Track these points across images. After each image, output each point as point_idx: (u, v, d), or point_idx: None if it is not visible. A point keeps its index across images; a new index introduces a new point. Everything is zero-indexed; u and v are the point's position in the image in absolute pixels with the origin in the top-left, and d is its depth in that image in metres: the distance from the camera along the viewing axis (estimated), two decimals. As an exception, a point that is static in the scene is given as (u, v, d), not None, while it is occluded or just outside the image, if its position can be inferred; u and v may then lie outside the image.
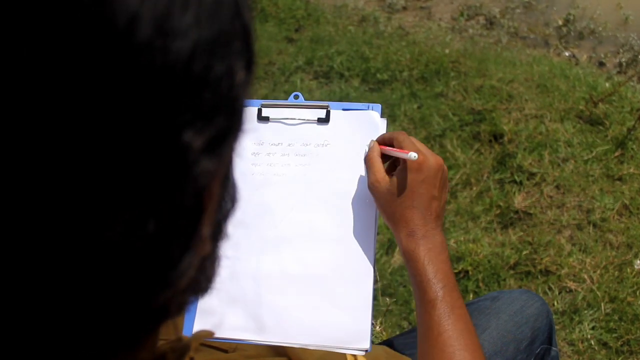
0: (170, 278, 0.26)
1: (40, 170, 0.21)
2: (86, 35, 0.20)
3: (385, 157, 0.78)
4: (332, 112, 0.85)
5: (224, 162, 0.27)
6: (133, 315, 0.26)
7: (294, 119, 0.85)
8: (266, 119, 0.85)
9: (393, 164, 0.79)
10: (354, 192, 0.82)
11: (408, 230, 0.73)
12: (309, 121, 0.85)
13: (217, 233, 0.31)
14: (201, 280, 0.32)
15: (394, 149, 0.75)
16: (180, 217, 0.25)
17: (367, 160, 0.78)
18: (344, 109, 0.86)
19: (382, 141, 0.79)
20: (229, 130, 0.25)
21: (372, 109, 0.85)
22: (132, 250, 0.23)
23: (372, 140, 0.80)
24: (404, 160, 0.74)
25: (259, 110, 0.85)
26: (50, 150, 0.21)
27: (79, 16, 0.20)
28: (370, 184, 0.76)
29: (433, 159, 0.73)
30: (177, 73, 0.22)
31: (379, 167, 0.76)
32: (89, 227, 0.22)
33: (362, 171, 0.83)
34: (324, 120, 0.85)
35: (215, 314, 0.79)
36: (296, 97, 0.87)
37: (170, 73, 0.22)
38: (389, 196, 0.74)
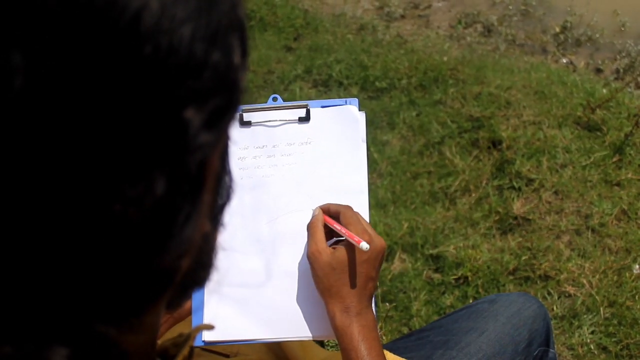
0: (175, 241, 0.28)
1: (58, 144, 0.23)
2: (99, 19, 0.23)
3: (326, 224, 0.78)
4: (311, 110, 0.87)
5: (221, 137, 0.30)
6: (140, 275, 0.27)
7: (276, 120, 0.87)
8: (248, 124, 0.87)
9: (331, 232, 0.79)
10: (342, 186, 0.84)
11: (343, 306, 0.73)
12: (290, 121, 0.87)
13: (215, 217, 0.33)
14: (200, 266, 0.33)
15: (343, 228, 0.75)
16: (185, 182, 0.27)
17: (309, 228, 0.78)
18: (322, 106, 0.88)
19: (328, 211, 0.79)
20: (226, 108, 0.28)
21: (350, 104, 0.87)
22: (142, 210, 0.25)
23: (317, 208, 0.80)
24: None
25: (240, 116, 0.87)
26: (69, 123, 0.23)
27: (91, 3, 0.23)
28: (310, 253, 0.75)
29: (378, 241, 0.74)
30: (179, 55, 0.25)
31: (321, 238, 0.76)
32: (104, 188, 0.24)
33: (347, 163, 0.85)
34: (305, 119, 0.87)
35: (215, 317, 0.80)
36: (275, 99, 0.89)
37: (174, 55, 0.24)
38: (328, 269, 0.74)
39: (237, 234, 0.82)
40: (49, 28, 0.22)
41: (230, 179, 0.34)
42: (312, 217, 0.79)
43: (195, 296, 0.80)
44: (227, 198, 0.34)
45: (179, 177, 0.26)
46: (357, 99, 0.88)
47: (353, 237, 0.72)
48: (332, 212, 0.79)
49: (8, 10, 0.22)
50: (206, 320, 0.80)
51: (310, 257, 0.75)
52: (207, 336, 0.80)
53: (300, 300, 0.81)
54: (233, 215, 0.82)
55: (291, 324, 0.80)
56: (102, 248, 0.25)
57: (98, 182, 0.24)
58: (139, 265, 0.27)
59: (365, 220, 0.77)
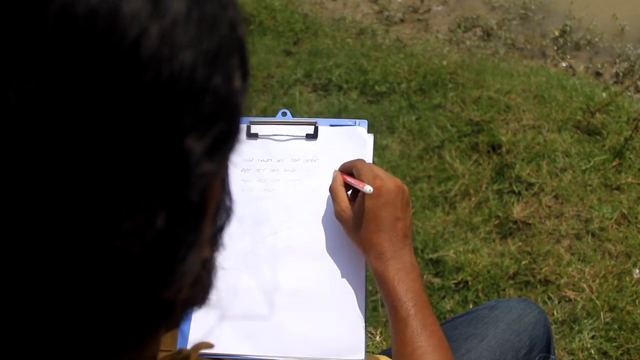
0: (177, 273, 0.27)
1: (59, 174, 0.23)
2: (97, 47, 0.22)
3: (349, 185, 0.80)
4: (320, 128, 0.87)
5: (223, 164, 0.29)
6: (141, 310, 0.27)
7: (283, 135, 0.86)
8: (255, 136, 0.86)
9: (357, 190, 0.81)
10: None
11: (376, 253, 0.74)
12: (297, 137, 0.86)
13: (215, 240, 0.33)
14: (200, 288, 0.33)
15: (353, 179, 0.77)
16: (186, 214, 0.26)
17: (332, 190, 0.80)
18: (331, 125, 0.87)
19: (344, 169, 0.81)
20: (227, 134, 0.27)
21: (359, 125, 0.87)
22: (143, 244, 0.25)
23: (335, 171, 0.82)
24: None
25: (248, 127, 0.86)
26: (69, 155, 0.23)
27: (93, 29, 0.22)
28: (336, 213, 0.78)
29: (391, 181, 0.75)
30: (181, 82, 0.24)
31: (343, 197, 0.78)
32: (103, 222, 0.24)
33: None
34: (312, 136, 0.86)
35: (210, 329, 0.79)
36: (284, 114, 0.89)
37: (175, 82, 0.24)
38: (355, 223, 0.76)
39: (234, 247, 0.81)
40: (48, 56, 0.22)
41: (230, 200, 0.34)
42: (333, 180, 0.81)
43: None
44: (227, 219, 0.34)
45: (180, 208, 0.26)
46: (366, 121, 0.88)
47: (359, 183, 0.75)
48: (347, 168, 0.81)
49: (9, 40, 0.21)
50: (193, 331, 0.79)
51: (337, 216, 0.78)
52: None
53: (300, 318, 0.79)
54: (232, 227, 0.81)
55: (280, 343, 0.78)
56: (102, 283, 0.25)
57: (97, 217, 0.23)
58: (141, 299, 0.26)
59: (378, 168, 0.78)
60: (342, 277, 0.80)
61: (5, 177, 0.22)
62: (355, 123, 0.87)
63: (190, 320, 0.79)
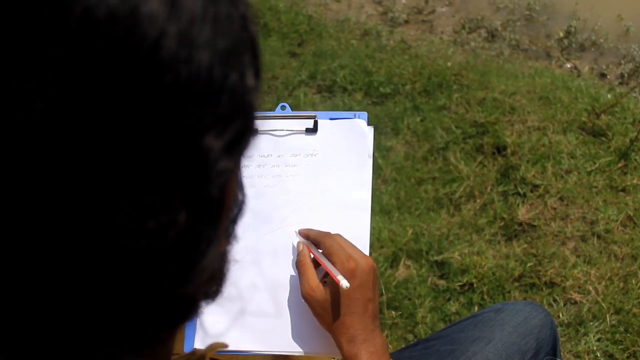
0: (197, 268, 0.27)
1: (82, 176, 0.23)
2: (118, 50, 0.22)
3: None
4: (319, 121, 0.86)
5: (240, 160, 0.30)
6: (161, 306, 0.27)
7: (282, 130, 0.86)
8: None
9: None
10: (345, 201, 0.82)
11: (348, 337, 0.72)
12: (297, 132, 0.86)
13: (230, 234, 0.33)
14: (214, 282, 0.33)
15: (327, 263, 0.73)
16: (206, 211, 0.27)
17: (299, 266, 0.76)
18: (331, 119, 0.86)
19: (308, 238, 0.78)
20: (244, 131, 0.28)
21: (359, 117, 0.86)
22: (166, 242, 0.25)
23: (299, 243, 0.78)
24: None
25: None
26: (92, 156, 0.23)
27: (113, 32, 0.22)
28: (304, 294, 0.74)
29: (364, 262, 0.73)
30: (199, 82, 0.24)
31: (312, 275, 0.75)
32: (126, 223, 0.24)
33: (352, 179, 0.83)
34: (312, 130, 0.86)
35: (217, 327, 0.79)
36: (283, 107, 0.88)
37: (194, 82, 0.24)
38: (326, 304, 0.73)
39: (237, 244, 0.81)
40: (72, 59, 0.22)
41: (243, 194, 0.34)
42: (298, 254, 0.77)
43: None
44: (240, 212, 0.34)
45: (201, 205, 0.26)
46: (366, 113, 0.87)
47: (335, 277, 0.71)
48: (312, 239, 0.77)
49: (33, 44, 0.21)
50: (200, 329, 0.79)
51: (306, 297, 0.74)
52: (199, 345, 0.78)
53: (300, 313, 0.79)
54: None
55: (291, 338, 0.79)
56: (126, 281, 0.25)
57: (120, 218, 0.24)
58: (162, 296, 0.26)
59: (348, 244, 0.75)
60: None
61: (32, 180, 0.22)
62: (355, 116, 0.86)
63: (195, 321, 0.79)
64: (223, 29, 0.25)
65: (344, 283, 0.69)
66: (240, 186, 0.33)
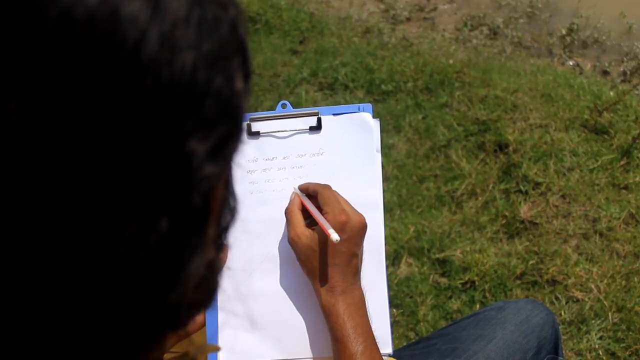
0: (182, 276, 0.27)
1: (59, 179, 0.22)
2: (98, 51, 0.22)
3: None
4: (323, 118, 0.82)
5: (226, 166, 0.29)
6: (147, 314, 0.27)
7: (285, 130, 0.82)
8: (256, 134, 0.82)
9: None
10: (356, 199, 0.78)
11: (328, 286, 0.73)
12: (301, 131, 0.82)
13: (219, 242, 0.32)
14: (204, 290, 0.33)
15: (317, 214, 0.74)
16: (189, 217, 0.26)
17: (287, 213, 0.77)
18: (334, 114, 0.83)
19: (305, 190, 0.78)
20: (230, 136, 0.27)
21: (363, 110, 0.83)
22: (147, 249, 0.24)
23: (294, 191, 0.79)
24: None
25: (248, 126, 0.82)
26: (69, 160, 0.22)
27: (92, 34, 0.22)
28: (289, 238, 0.75)
29: (356, 218, 0.73)
30: (182, 85, 0.24)
31: (299, 221, 0.75)
32: (106, 229, 0.23)
33: (361, 176, 0.81)
34: (316, 128, 0.82)
35: (234, 339, 0.78)
36: (284, 106, 0.85)
37: (176, 85, 0.23)
38: (309, 252, 0.74)
39: (251, 252, 0.79)
40: (48, 61, 0.21)
41: (235, 200, 0.33)
42: (289, 202, 0.78)
43: (210, 323, 0.76)
44: (232, 220, 0.33)
45: (184, 211, 0.25)
46: (370, 105, 0.83)
47: (325, 229, 0.71)
48: (311, 192, 0.78)
49: (8, 45, 0.21)
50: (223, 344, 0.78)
51: (290, 241, 0.75)
52: (223, 358, 0.76)
53: (313, 319, 0.78)
54: (243, 232, 0.79)
55: (305, 344, 0.78)
56: (107, 288, 0.24)
57: (99, 223, 0.23)
58: (147, 303, 0.26)
59: (343, 199, 0.75)
60: (364, 272, 0.78)
61: (8, 182, 0.22)
62: (359, 109, 0.83)
63: (216, 338, 0.77)
64: (209, 31, 0.25)
65: (334, 236, 0.69)
66: (231, 192, 0.32)
